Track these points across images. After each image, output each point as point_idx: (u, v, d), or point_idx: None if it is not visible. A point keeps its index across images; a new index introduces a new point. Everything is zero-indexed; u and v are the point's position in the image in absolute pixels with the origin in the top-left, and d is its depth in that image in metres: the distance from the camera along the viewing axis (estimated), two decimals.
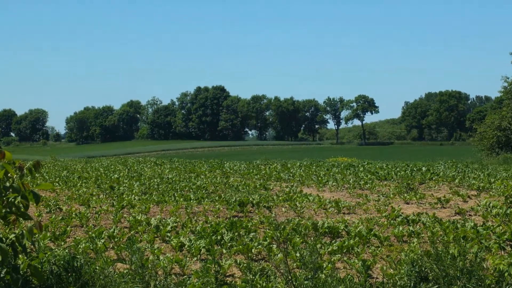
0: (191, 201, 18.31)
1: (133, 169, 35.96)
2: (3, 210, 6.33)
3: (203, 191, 21.22)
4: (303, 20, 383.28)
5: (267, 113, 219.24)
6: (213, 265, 8.32)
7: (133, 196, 19.92)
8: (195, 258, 10.52)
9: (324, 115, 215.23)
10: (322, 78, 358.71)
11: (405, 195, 19.32)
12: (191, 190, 21.96)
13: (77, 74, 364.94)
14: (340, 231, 12.56)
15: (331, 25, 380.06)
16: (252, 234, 12.12)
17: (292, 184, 24.83)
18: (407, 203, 18.26)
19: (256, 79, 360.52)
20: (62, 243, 11.86)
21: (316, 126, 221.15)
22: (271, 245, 10.78)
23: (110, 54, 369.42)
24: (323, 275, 7.85)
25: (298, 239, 11.19)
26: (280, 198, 18.83)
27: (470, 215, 15.54)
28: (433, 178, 25.68)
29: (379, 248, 10.74)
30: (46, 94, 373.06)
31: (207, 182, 25.14)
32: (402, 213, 15.02)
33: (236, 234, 12.02)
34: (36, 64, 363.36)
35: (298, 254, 9.10)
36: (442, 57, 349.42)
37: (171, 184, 24.22)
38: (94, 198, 19.90)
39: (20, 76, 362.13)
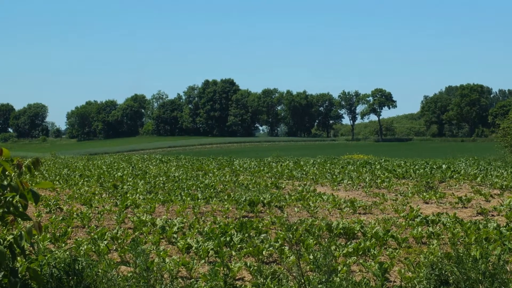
0: (199, 200, 18.34)
1: (137, 167, 36.03)
2: (1, 210, 6.34)
3: (211, 190, 21.25)
4: (316, 10, 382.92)
5: (278, 108, 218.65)
6: (221, 268, 8.32)
7: (137, 195, 19.98)
8: (203, 261, 10.54)
9: (338, 110, 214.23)
10: (336, 71, 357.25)
11: (424, 194, 19.28)
12: (198, 189, 22.00)
13: (79, 67, 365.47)
14: (355, 232, 12.55)
15: (346, 15, 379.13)
16: (263, 235, 12.12)
17: (305, 182, 24.86)
18: (427, 203, 18.24)
19: (267, 72, 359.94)
20: (63, 244, 11.90)
21: (331, 122, 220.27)
22: (283, 247, 10.77)
23: (113, 46, 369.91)
24: (338, 278, 7.83)
25: (311, 240, 11.19)
26: (293, 197, 18.82)
27: (492, 215, 15.50)
28: (454, 177, 25.64)
29: (397, 250, 10.72)
30: (46, 88, 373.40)
31: (215, 181, 25.18)
32: (421, 213, 15.00)
33: (246, 235, 12.02)
34: (36, 57, 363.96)
35: (311, 257, 9.07)
36: (463, 48, 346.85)
37: (178, 183, 24.26)
38: (96, 197, 19.98)
39: (18, 69, 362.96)
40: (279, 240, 11.29)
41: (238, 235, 11.85)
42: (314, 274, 8.27)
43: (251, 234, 12.22)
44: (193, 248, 11.13)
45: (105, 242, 11.53)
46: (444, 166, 30.84)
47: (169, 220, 14.12)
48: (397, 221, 14.05)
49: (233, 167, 34.31)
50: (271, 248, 10.81)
